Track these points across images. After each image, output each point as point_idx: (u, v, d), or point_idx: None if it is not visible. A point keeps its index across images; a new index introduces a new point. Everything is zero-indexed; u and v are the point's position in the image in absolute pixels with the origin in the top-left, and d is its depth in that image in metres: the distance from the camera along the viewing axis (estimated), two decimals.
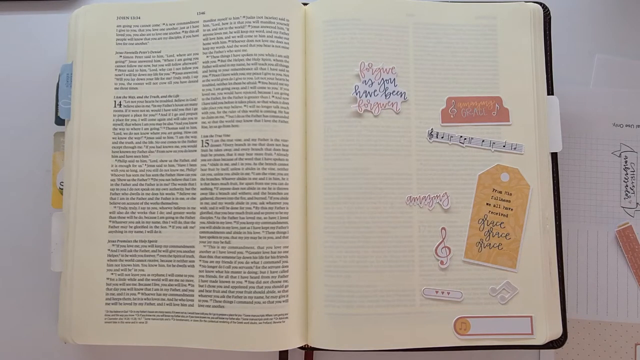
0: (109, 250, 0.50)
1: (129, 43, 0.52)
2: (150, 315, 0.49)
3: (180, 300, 0.49)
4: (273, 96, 0.49)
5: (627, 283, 0.54)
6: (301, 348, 0.49)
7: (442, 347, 0.48)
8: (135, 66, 0.51)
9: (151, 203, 0.50)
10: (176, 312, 0.49)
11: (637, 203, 0.55)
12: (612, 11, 0.57)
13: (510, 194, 0.49)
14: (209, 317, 0.48)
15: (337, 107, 0.49)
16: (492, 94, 0.50)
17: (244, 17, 0.50)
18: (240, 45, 0.50)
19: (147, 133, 0.50)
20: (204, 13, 0.51)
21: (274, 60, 0.49)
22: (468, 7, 0.51)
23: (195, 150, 0.50)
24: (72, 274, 0.49)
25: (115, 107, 0.51)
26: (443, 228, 0.49)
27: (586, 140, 0.56)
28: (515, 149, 0.50)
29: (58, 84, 0.52)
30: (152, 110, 0.51)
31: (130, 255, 0.50)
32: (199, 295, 0.49)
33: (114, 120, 0.51)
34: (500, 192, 0.49)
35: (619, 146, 0.55)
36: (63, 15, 0.57)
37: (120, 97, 0.51)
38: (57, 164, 0.52)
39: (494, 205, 0.49)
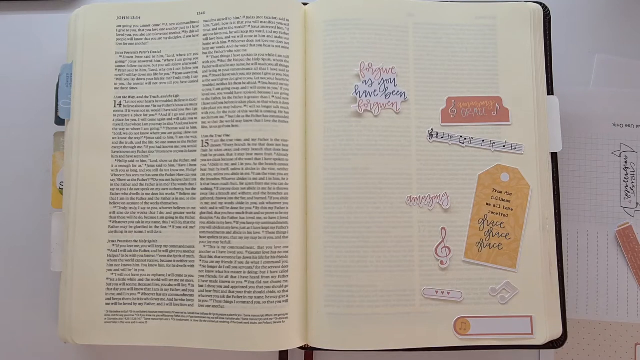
0: (109, 250, 0.50)
1: (129, 43, 0.52)
2: (150, 315, 0.49)
3: (180, 300, 0.49)
4: (273, 96, 0.49)
5: (627, 283, 0.54)
6: (301, 348, 0.49)
7: (442, 347, 0.48)
8: (135, 66, 0.51)
9: (151, 203, 0.50)
10: (176, 312, 0.49)
11: (637, 203, 0.55)
12: (612, 11, 0.57)
13: (510, 194, 0.49)
14: (209, 317, 0.48)
15: (337, 107, 0.49)
16: (492, 94, 0.50)
17: (244, 17, 0.50)
18: (240, 45, 0.50)
19: (147, 133, 0.50)
20: (204, 13, 0.51)
21: (274, 60, 0.49)
22: (468, 7, 0.51)
23: (195, 150, 0.50)
24: (72, 274, 0.49)
25: (115, 107, 0.51)
26: (443, 228, 0.49)
27: (586, 140, 0.56)
28: (515, 149, 0.50)
29: (58, 84, 0.52)
30: (152, 110, 0.51)
31: (130, 255, 0.50)
32: (199, 295, 0.49)
33: (114, 120, 0.51)
34: (500, 192, 0.49)
35: (619, 146, 0.55)
36: (63, 15, 0.57)
37: (120, 97, 0.51)
38: (57, 164, 0.52)
39: (494, 205, 0.49)
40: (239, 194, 0.48)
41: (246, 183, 0.48)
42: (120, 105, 0.51)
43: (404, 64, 0.50)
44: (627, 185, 0.55)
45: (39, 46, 0.57)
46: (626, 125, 0.55)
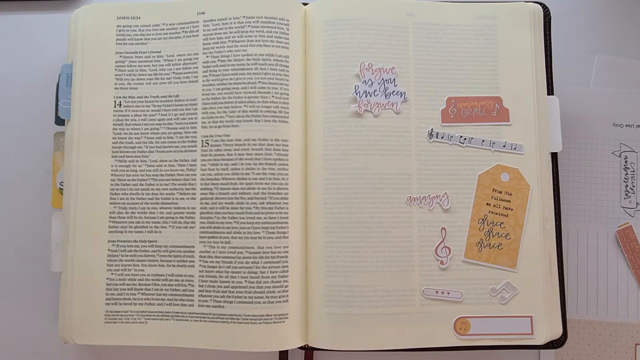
0: (109, 250, 0.50)
1: (129, 43, 0.52)
2: (150, 315, 0.49)
3: (180, 300, 0.49)
4: (273, 96, 0.49)
5: (627, 283, 0.54)
6: (301, 348, 0.49)
7: (442, 347, 0.48)
8: (135, 66, 0.51)
9: (151, 203, 0.50)
10: (176, 312, 0.49)
11: (637, 203, 0.55)
12: (612, 11, 0.57)
13: (510, 194, 0.49)
14: (209, 317, 0.48)
15: (337, 107, 0.49)
16: (492, 94, 0.50)
17: (244, 17, 0.50)
18: (240, 45, 0.50)
19: (147, 133, 0.50)
20: (204, 13, 0.51)
21: (274, 60, 0.49)
22: (468, 7, 0.51)
23: (195, 150, 0.50)
24: (72, 274, 0.49)
25: (115, 107, 0.51)
26: (443, 228, 0.49)
27: (586, 140, 0.56)
28: (515, 149, 0.50)
29: (58, 84, 0.52)
30: (152, 110, 0.51)
31: (130, 255, 0.50)
32: (199, 295, 0.49)
33: (114, 120, 0.51)
34: (500, 192, 0.49)
35: (619, 146, 0.55)
36: (63, 15, 0.57)
37: (120, 97, 0.51)
38: (57, 164, 0.52)
39: (494, 205, 0.49)
40: (239, 194, 0.48)
41: (246, 183, 0.48)
42: (120, 105, 0.51)
43: (404, 64, 0.50)
44: (627, 185, 0.55)
45: (39, 46, 0.57)
46: (626, 125, 0.56)
